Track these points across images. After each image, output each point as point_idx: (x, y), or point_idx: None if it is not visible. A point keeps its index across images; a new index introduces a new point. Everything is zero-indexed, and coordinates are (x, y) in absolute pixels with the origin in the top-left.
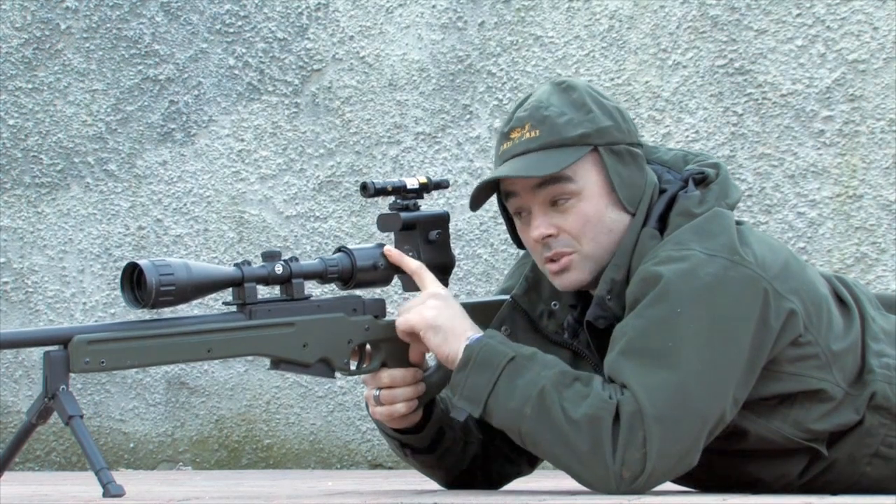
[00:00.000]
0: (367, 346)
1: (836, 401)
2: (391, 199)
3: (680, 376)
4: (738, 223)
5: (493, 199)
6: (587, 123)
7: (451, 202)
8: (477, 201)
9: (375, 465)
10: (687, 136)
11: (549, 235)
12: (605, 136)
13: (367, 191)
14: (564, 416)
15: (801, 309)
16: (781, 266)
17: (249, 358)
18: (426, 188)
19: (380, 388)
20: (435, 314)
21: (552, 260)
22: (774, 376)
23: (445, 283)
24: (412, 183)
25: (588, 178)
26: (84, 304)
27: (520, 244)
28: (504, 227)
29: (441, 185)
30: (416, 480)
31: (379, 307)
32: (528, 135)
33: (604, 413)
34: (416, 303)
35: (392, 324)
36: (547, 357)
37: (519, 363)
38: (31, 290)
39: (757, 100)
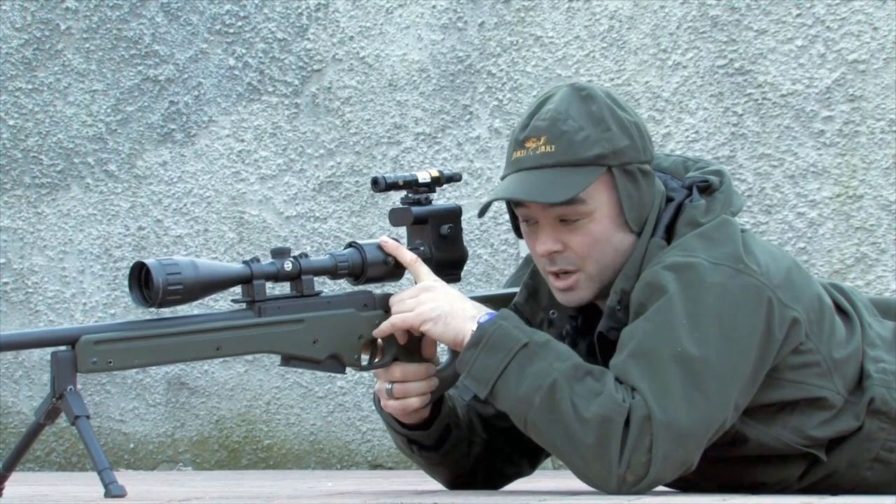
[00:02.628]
0: (379, 341)
1: (837, 408)
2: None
3: (689, 383)
4: (743, 231)
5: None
6: (604, 143)
7: (452, 202)
8: (485, 211)
9: (376, 466)
10: (687, 137)
11: (556, 251)
12: (620, 157)
13: (378, 185)
14: (574, 413)
15: (803, 317)
16: (785, 275)
17: (249, 358)
18: (438, 182)
19: (392, 383)
20: (431, 307)
21: (556, 275)
22: (775, 384)
23: (458, 277)
24: (424, 177)
25: (600, 199)
26: (84, 304)
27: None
28: (505, 228)
29: (453, 179)
30: (416, 481)
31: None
32: (542, 148)
33: (616, 416)
34: (409, 295)
35: None
36: (560, 347)
37: (532, 350)
38: (31, 290)
39: (757, 100)
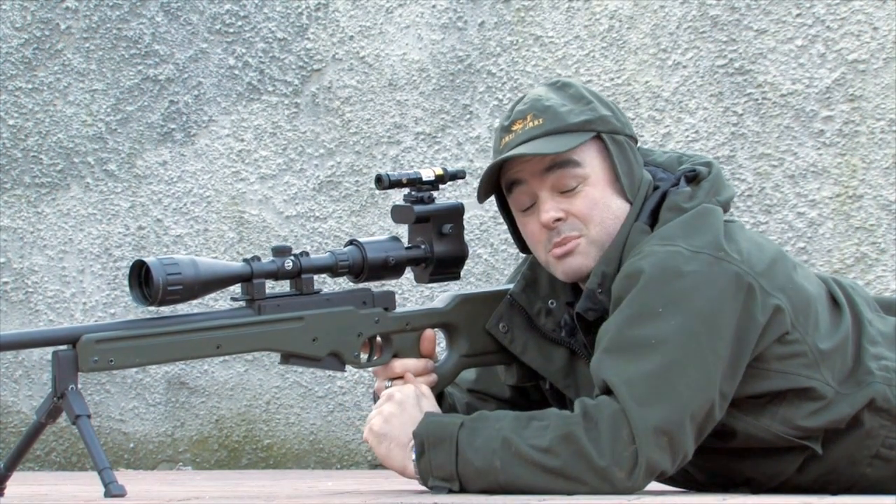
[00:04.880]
0: (378, 339)
1: (827, 399)
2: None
3: (661, 367)
4: (729, 221)
5: (492, 199)
6: (589, 112)
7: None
8: (485, 192)
9: (375, 465)
10: (687, 136)
11: (559, 219)
12: (607, 124)
13: (382, 183)
14: (535, 450)
15: (787, 306)
16: (768, 264)
17: (249, 357)
18: (442, 180)
19: (392, 380)
20: (381, 422)
21: (557, 245)
22: (762, 374)
23: (457, 275)
24: (427, 174)
25: (594, 165)
26: (84, 304)
27: (522, 247)
28: (504, 227)
29: (457, 176)
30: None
31: (389, 299)
32: (531, 124)
33: (571, 427)
34: (377, 405)
35: (402, 316)
36: (494, 412)
37: (469, 426)
38: (31, 290)
39: (757, 100)
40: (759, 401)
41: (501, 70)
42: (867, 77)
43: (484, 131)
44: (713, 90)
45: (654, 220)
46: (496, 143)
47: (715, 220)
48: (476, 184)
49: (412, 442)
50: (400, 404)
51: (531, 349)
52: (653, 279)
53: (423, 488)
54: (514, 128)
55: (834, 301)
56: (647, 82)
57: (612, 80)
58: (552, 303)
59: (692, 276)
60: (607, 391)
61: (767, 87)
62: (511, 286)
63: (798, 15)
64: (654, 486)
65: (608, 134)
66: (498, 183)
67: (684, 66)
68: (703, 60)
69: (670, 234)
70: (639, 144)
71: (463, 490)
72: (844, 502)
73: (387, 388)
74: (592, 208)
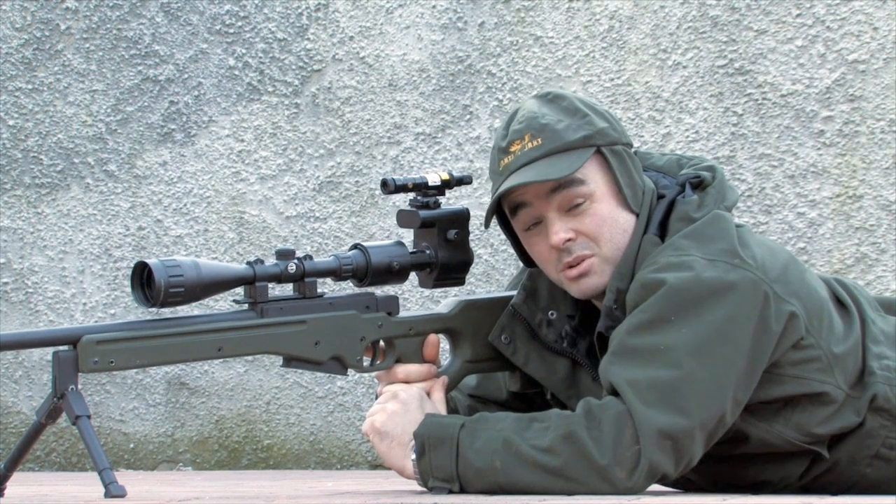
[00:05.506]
0: (381, 343)
1: (838, 403)
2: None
3: (670, 373)
4: (738, 226)
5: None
6: (586, 126)
7: (451, 202)
8: (490, 218)
9: (376, 466)
10: (687, 137)
11: (569, 240)
12: (605, 137)
13: (388, 187)
14: (536, 450)
15: (801, 312)
16: (781, 269)
17: (250, 358)
18: (448, 185)
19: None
20: (384, 419)
21: (570, 266)
22: (777, 379)
23: (462, 281)
24: (433, 179)
25: (597, 180)
26: (84, 304)
27: (527, 262)
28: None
29: (464, 182)
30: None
31: (392, 304)
32: (529, 144)
33: (573, 426)
34: (380, 400)
35: (406, 321)
36: (495, 414)
37: (470, 427)
38: (31, 290)
39: (757, 100)
40: (772, 406)
41: (501, 70)
42: (867, 77)
43: (484, 132)
44: (713, 90)
45: (662, 230)
46: (493, 163)
47: (727, 226)
48: (476, 184)
49: (413, 442)
50: (404, 404)
51: (533, 360)
52: (671, 289)
53: (423, 488)
54: (513, 149)
55: (840, 303)
56: (647, 82)
57: (612, 80)
58: (552, 313)
59: (709, 283)
60: (614, 393)
61: (767, 88)
62: (511, 293)
63: (798, 15)
64: (654, 486)
65: (607, 147)
66: (499, 203)
67: (684, 67)
68: (703, 61)
69: (683, 244)
70: (638, 146)
71: (463, 491)
72: (844, 502)
73: None
74: (601, 225)
